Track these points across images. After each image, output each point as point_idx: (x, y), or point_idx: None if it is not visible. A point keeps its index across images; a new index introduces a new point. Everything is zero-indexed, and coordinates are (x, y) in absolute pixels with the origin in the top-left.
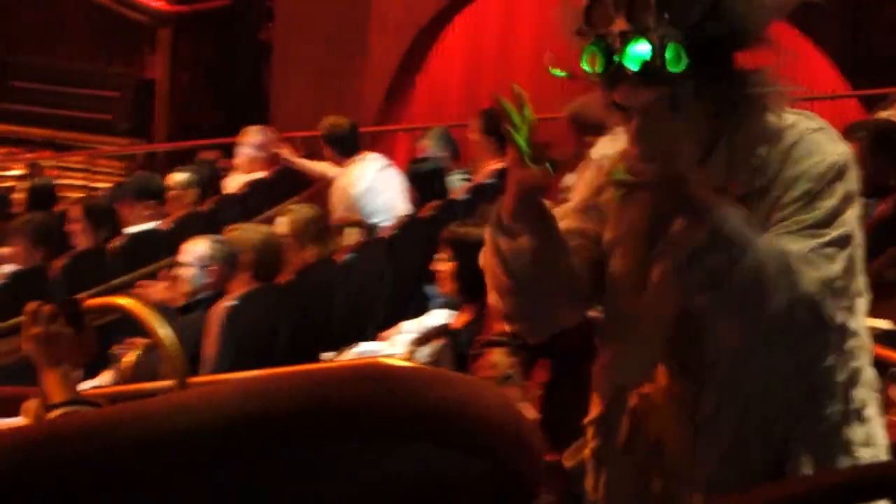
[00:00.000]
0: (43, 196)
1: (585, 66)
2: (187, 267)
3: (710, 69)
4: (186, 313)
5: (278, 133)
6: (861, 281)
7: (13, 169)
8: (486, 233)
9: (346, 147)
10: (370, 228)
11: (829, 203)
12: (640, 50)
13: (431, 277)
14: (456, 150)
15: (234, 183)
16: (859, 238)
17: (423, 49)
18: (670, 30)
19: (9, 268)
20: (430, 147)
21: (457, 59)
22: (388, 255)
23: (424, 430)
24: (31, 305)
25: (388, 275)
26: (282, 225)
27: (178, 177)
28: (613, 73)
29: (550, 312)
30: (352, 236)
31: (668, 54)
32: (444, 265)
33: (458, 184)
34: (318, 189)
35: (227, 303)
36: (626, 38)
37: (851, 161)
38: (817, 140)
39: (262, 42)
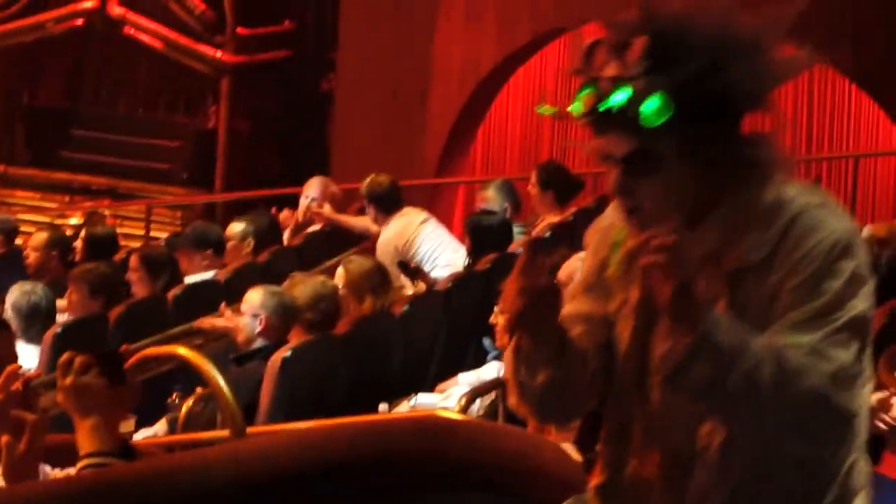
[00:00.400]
0: (103, 245)
1: (576, 109)
2: (244, 316)
3: (706, 128)
4: (243, 363)
5: (338, 184)
6: (870, 366)
7: (73, 217)
8: (508, 349)
9: (386, 204)
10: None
11: (835, 285)
12: (623, 97)
13: (489, 330)
14: (517, 203)
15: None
16: (870, 318)
17: (484, 101)
18: (658, 80)
19: (66, 317)
20: (491, 198)
21: (517, 112)
22: (445, 308)
23: (480, 481)
24: (64, 357)
25: (445, 327)
26: (339, 276)
27: (235, 227)
28: (600, 119)
29: (566, 412)
30: (408, 288)
31: (651, 105)
32: (500, 318)
33: (515, 237)
34: (375, 241)
35: (282, 353)
36: (614, 84)
37: (857, 237)
38: (819, 216)
39: (324, 93)
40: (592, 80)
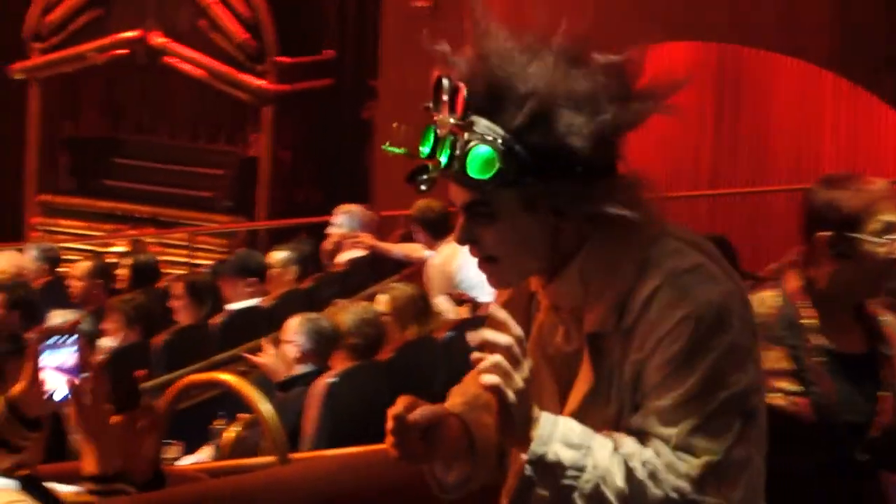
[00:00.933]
0: (146, 272)
1: (423, 152)
2: (285, 343)
3: (546, 179)
4: (286, 389)
5: (377, 212)
6: (762, 441)
7: (117, 245)
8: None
9: (437, 230)
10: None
11: (703, 365)
12: (448, 149)
13: None
14: None
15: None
16: (758, 387)
17: None
18: (482, 133)
19: (109, 342)
20: None
21: None
22: None
23: None
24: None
25: None
26: (382, 303)
27: (278, 255)
28: (438, 167)
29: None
30: (451, 314)
31: (476, 158)
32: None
33: None
34: (418, 267)
35: (326, 379)
36: (444, 133)
37: (732, 302)
38: (684, 285)
39: (365, 121)
40: (433, 124)
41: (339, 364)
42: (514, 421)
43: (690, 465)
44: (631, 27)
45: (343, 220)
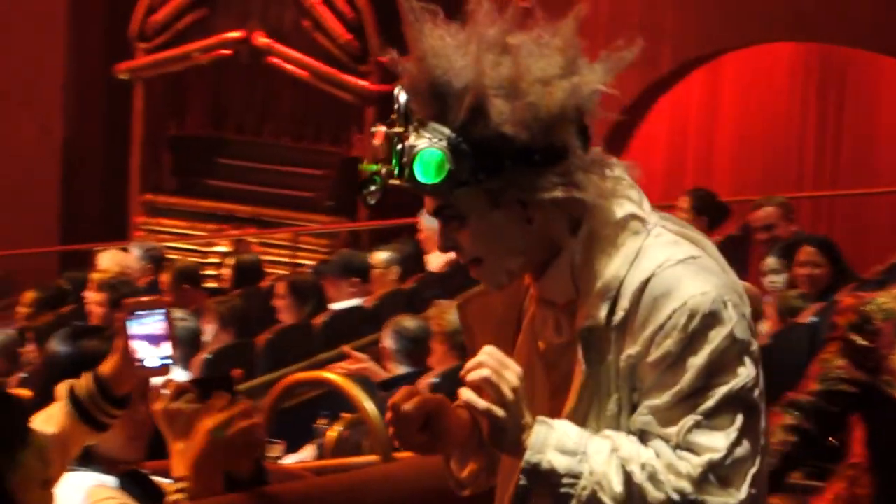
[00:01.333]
0: (249, 272)
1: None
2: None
3: (504, 174)
4: (388, 389)
5: None
6: (762, 436)
7: (219, 245)
8: None
9: None
10: None
11: (700, 359)
12: (396, 158)
13: None
14: None
15: (434, 261)
16: (757, 383)
17: (626, 131)
18: (428, 136)
19: (209, 334)
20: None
21: (660, 142)
22: None
23: None
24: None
25: None
26: None
27: (380, 255)
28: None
29: None
30: None
31: (425, 163)
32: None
33: None
34: None
35: (428, 379)
36: (391, 143)
37: (727, 294)
38: (674, 277)
39: None
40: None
41: (442, 364)
42: (506, 434)
43: (691, 464)
44: (733, 27)
45: (426, 219)
